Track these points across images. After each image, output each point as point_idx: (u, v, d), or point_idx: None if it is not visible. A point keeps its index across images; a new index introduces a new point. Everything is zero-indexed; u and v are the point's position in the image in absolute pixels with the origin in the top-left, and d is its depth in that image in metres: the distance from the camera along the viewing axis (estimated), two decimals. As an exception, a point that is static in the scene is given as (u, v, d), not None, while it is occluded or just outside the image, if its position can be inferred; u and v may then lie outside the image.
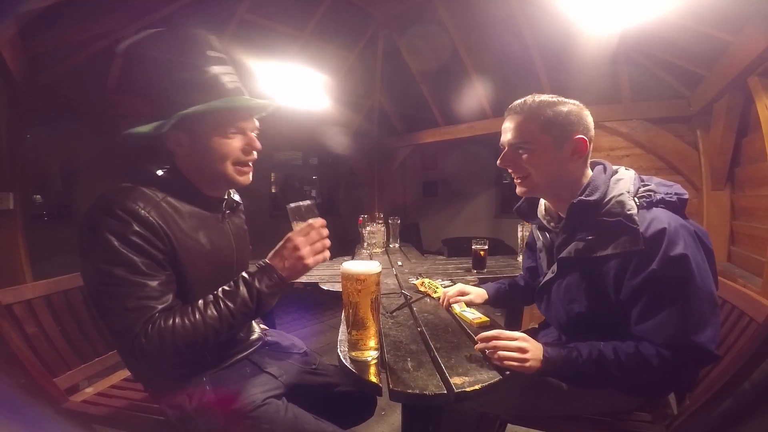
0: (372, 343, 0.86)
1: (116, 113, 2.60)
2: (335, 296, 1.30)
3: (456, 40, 2.86)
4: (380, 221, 2.51)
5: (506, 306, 1.39)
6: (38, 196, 3.59)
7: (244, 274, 0.84)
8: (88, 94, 2.49)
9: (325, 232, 0.88)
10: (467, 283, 1.32)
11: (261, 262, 0.86)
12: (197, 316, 0.77)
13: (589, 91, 2.62)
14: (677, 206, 0.86)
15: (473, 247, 1.83)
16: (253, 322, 1.11)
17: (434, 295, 1.33)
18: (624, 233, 0.82)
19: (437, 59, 3.07)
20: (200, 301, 0.80)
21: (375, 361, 0.85)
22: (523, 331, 0.92)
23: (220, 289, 0.82)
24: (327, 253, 0.89)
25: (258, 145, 0.90)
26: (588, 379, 0.86)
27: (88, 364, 1.24)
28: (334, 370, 1.15)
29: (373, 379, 0.79)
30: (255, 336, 1.07)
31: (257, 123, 0.92)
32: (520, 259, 1.98)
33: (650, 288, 0.80)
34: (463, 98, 3.21)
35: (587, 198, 0.87)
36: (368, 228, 2.42)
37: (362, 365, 0.83)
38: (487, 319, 1.09)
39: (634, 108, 2.58)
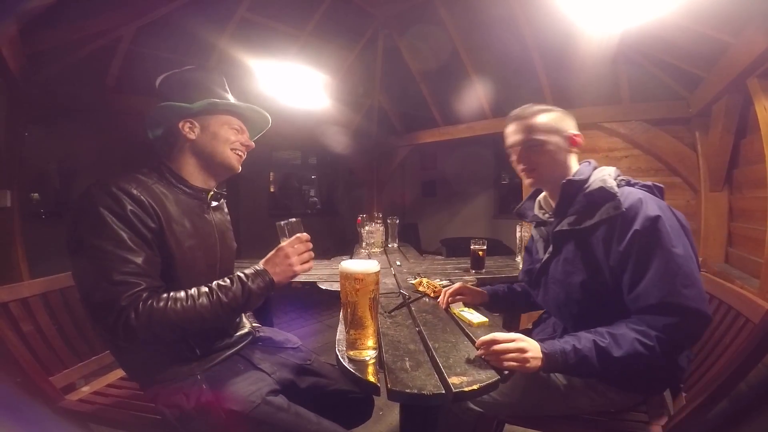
0: (370, 342, 0.86)
1: (115, 111, 2.59)
2: (334, 296, 1.30)
3: (456, 41, 2.86)
4: (379, 221, 2.52)
5: (503, 310, 1.41)
6: (36, 194, 3.58)
7: (239, 273, 0.91)
8: (87, 92, 2.48)
9: (310, 245, 1.00)
10: (465, 283, 1.32)
11: (256, 266, 0.94)
12: (189, 302, 0.82)
13: (588, 92, 2.63)
14: (652, 190, 0.97)
15: (472, 247, 1.83)
16: (243, 317, 1.12)
17: (432, 295, 1.33)
18: (606, 201, 0.93)
19: (437, 59, 3.07)
20: (194, 290, 0.85)
21: (373, 361, 0.85)
22: (519, 332, 0.92)
23: (215, 282, 0.88)
24: (312, 263, 1.00)
25: (251, 144, 1.09)
26: (592, 366, 0.85)
27: (84, 362, 1.23)
28: (330, 369, 1.15)
29: (372, 378, 0.79)
30: (244, 331, 1.08)
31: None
32: (518, 259, 1.98)
33: (635, 249, 0.86)
34: (462, 98, 3.22)
35: (574, 178, 1.00)
36: (367, 228, 2.42)
37: (360, 365, 0.83)
38: (486, 319, 1.09)
39: (633, 109, 2.58)
